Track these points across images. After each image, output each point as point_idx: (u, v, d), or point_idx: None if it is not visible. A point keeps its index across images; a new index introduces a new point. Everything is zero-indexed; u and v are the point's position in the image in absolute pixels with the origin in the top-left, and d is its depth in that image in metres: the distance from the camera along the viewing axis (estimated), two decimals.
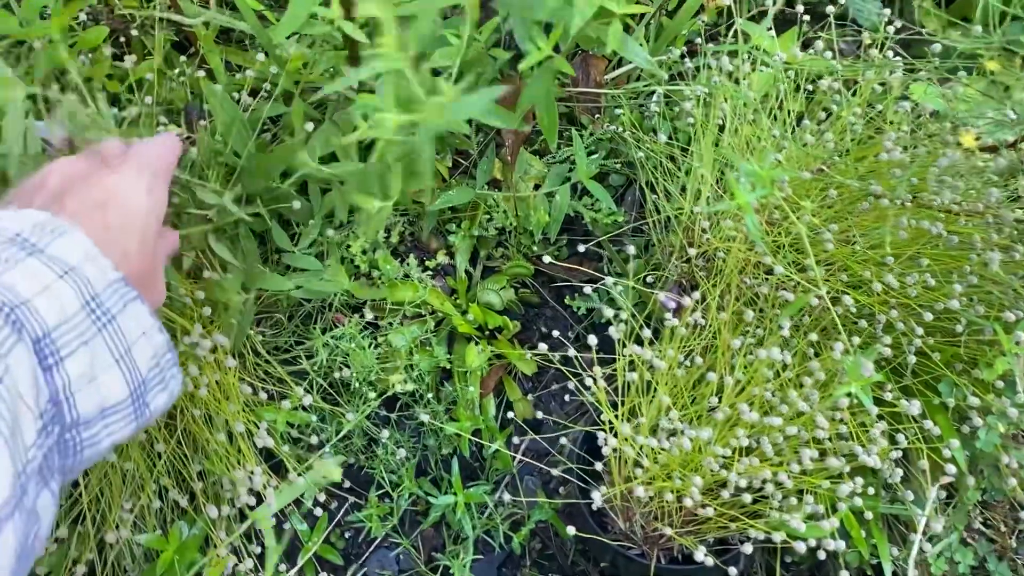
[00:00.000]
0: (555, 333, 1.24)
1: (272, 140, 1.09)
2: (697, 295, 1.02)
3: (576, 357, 0.99)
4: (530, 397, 1.15)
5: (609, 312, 1.17)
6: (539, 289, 1.26)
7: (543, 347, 1.14)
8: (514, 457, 1.12)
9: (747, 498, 0.86)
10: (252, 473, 0.95)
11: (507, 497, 1.10)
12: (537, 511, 1.05)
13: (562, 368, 1.20)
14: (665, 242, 1.17)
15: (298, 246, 1.10)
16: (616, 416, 0.92)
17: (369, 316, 1.13)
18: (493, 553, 1.08)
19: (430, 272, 1.21)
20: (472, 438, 1.07)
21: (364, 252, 1.19)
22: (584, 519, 0.96)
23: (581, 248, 1.23)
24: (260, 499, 0.96)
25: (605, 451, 0.90)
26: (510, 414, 1.17)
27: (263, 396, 0.97)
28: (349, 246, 1.19)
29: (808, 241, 0.87)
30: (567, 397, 1.21)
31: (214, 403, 0.97)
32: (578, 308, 1.17)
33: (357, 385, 1.04)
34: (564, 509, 1.09)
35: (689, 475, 0.84)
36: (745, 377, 0.87)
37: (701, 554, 0.80)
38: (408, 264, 1.20)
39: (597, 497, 0.85)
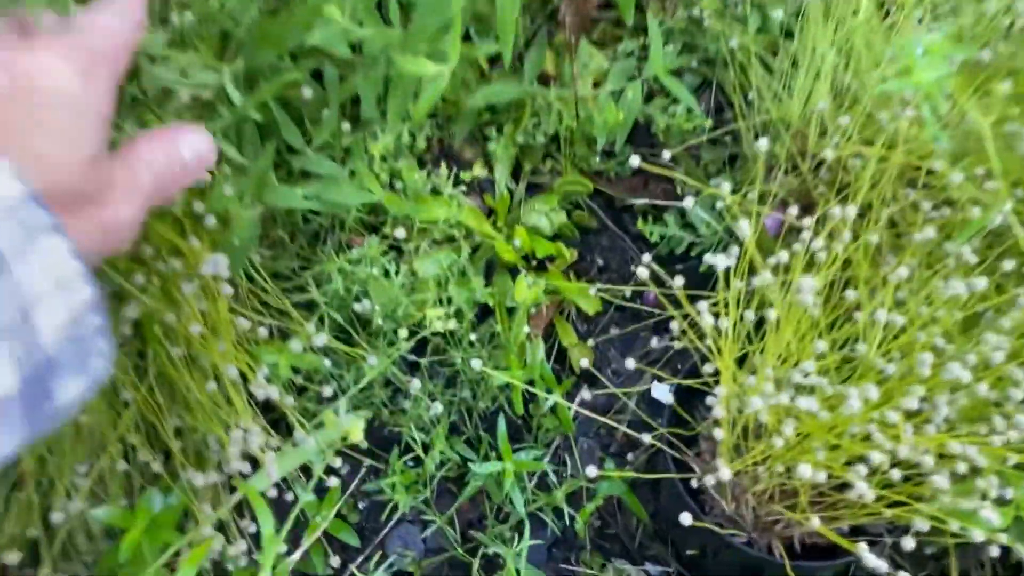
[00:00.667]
0: (614, 264, 1.02)
1: (277, 9, 0.84)
2: (813, 217, 0.80)
3: (662, 293, 0.76)
4: (590, 343, 0.93)
5: (686, 238, 0.94)
6: (597, 211, 1.03)
7: (601, 282, 0.92)
8: (574, 415, 0.91)
9: (895, 475, 0.65)
10: (247, 431, 0.73)
11: (568, 467, 0.88)
12: (606, 484, 0.84)
13: (632, 306, 0.98)
14: (760, 154, 0.94)
15: (311, 147, 0.86)
16: (725, 368, 0.70)
17: (392, 238, 0.90)
18: (545, 531, 0.87)
19: (463, 187, 0.98)
20: (525, 389, 0.85)
21: (385, 159, 0.95)
22: (677, 497, 0.75)
23: (642, 162, 1.00)
24: (256, 464, 0.74)
25: (717, 412, 0.69)
26: (552, 363, 0.95)
27: (262, 332, 0.75)
28: (366, 149, 0.95)
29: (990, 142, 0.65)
30: (636, 343, 0.99)
31: (199, 340, 0.75)
32: (650, 234, 0.95)
33: (380, 322, 0.82)
34: (635, 482, 0.87)
35: (839, 445, 0.63)
36: (907, 318, 0.65)
37: (866, 552, 0.59)
38: (438, 176, 0.97)
39: (723, 472, 0.64)
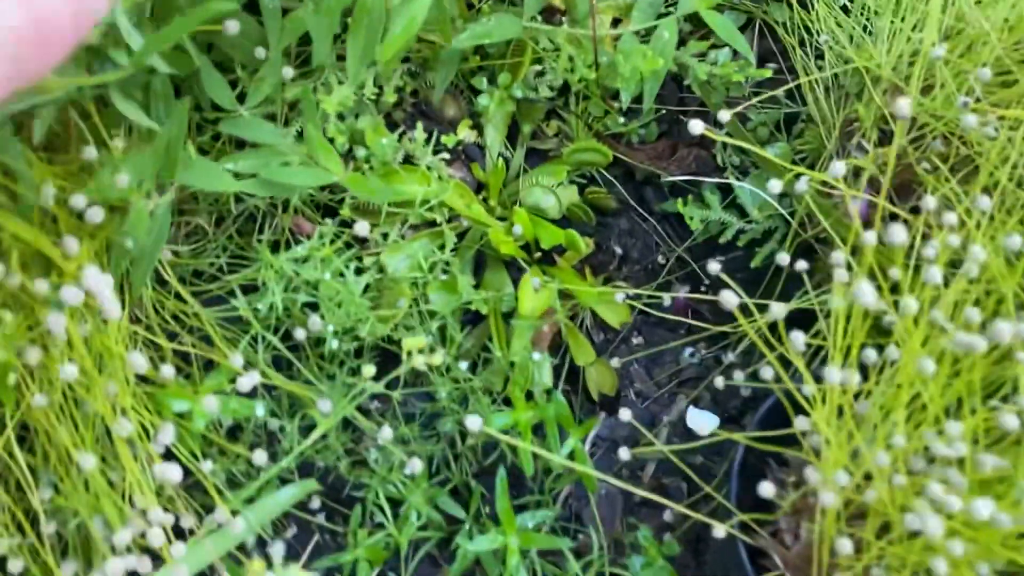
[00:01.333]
0: (635, 253, 0.80)
1: None
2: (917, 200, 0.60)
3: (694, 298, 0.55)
4: (615, 363, 0.71)
5: (733, 222, 0.73)
6: (617, 186, 0.81)
7: (621, 282, 0.72)
8: (590, 448, 0.70)
9: None
10: (145, 513, 0.51)
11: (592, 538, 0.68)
12: (644, 570, 0.63)
13: (657, 313, 0.76)
14: (828, 115, 0.73)
15: (245, 105, 0.64)
16: (830, 434, 0.50)
17: (352, 222, 0.67)
18: None
19: (445, 155, 0.76)
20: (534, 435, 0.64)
21: (342, 118, 0.72)
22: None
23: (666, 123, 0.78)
24: (158, 559, 0.52)
25: (825, 498, 0.48)
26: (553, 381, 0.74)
27: (166, 372, 0.52)
28: (317, 105, 0.72)
29: None
30: (665, 354, 0.78)
31: (82, 381, 0.53)
32: (690, 219, 0.73)
33: (335, 345, 0.60)
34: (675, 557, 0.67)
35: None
36: None
37: None
38: (412, 141, 0.74)
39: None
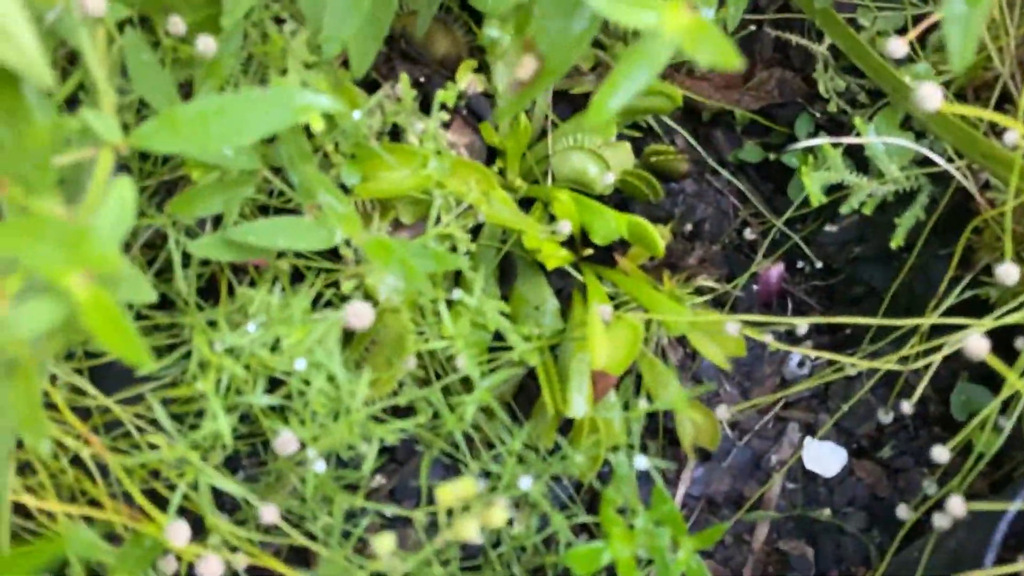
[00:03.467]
0: (709, 225, 0.59)
1: None
2: None
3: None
4: (723, 413, 0.50)
5: (864, 185, 0.52)
6: (681, 132, 0.58)
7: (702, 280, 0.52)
8: (681, 500, 0.50)
9: None
10: None
11: None
12: None
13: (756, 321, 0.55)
14: (1006, 15, 0.50)
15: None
16: None
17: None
18: None
19: (444, 116, 0.52)
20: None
21: (308, 66, 0.48)
22: None
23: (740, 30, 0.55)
24: None
25: None
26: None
27: None
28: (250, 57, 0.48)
29: None
30: (759, 364, 0.57)
31: None
32: (806, 184, 0.51)
33: (322, 470, 0.38)
34: None
35: None
36: None
37: None
38: (393, 101, 0.50)
39: None
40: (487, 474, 0.45)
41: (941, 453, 0.39)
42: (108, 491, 0.41)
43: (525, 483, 0.39)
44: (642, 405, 0.42)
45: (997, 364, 0.32)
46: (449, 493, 0.32)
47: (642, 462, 0.37)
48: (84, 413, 0.46)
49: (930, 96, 0.30)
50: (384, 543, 0.30)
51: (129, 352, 0.26)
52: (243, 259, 0.40)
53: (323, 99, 0.30)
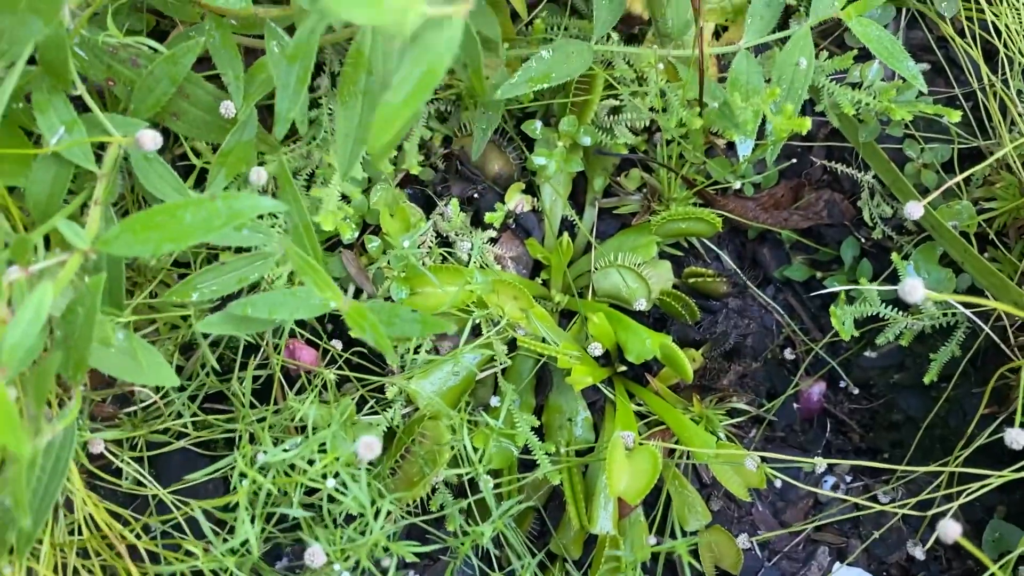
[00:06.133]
0: (751, 341, 0.60)
1: None
2: None
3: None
4: (743, 542, 0.51)
5: (900, 320, 0.53)
6: (723, 256, 0.60)
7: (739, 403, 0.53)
8: None
9: None
10: None
11: None
12: None
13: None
14: None
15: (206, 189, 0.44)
16: None
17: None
18: None
19: (492, 233, 0.55)
20: None
21: (347, 199, 0.52)
22: None
23: (783, 159, 0.56)
24: None
25: None
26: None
27: None
28: (311, 176, 0.52)
29: None
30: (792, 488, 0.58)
31: None
32: (841, 324, 0.51)
33: None
34: None
35: None
36: None
37: None
38: (445, 220, 0.54)
39: None
40: None
41: None
42: None
43: None
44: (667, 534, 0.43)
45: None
46: None
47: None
48: (144, 500, 0.50)
49: (914, 289, 0.32)
50: None
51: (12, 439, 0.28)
52: (249, 331, 0.43)
53: (265, 202, 0.34)
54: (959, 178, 0.52)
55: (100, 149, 0.42)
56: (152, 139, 0.35)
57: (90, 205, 0.39)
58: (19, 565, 0.36)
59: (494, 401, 0.55)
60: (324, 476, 0.40)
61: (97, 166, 0.40)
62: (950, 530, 0.30)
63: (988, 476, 0.44)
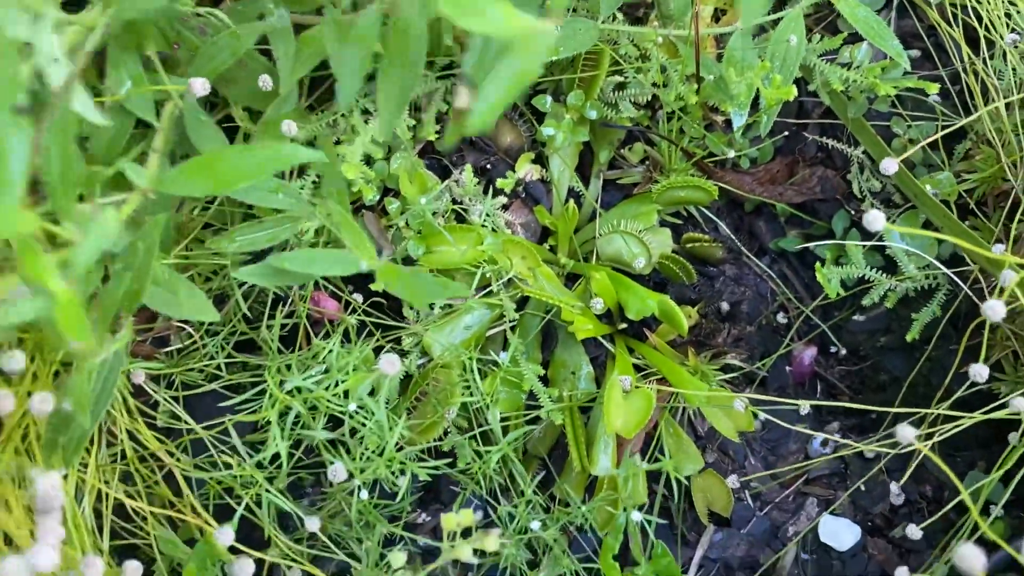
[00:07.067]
0: (746, 306, 0.63)
1: None
2: None
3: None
4: (732, 482, 0.55)
5: (884, 282, 0.56)
6: (721, 225, 0.64)
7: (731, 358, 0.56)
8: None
9: None
10: None
11: None
12: None
13: (783, 401, 0.60)
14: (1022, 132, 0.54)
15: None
16: None
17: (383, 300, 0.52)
18: None
19: (503, 197, 0.59)
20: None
21: (368, 161, 0.57)
22: None
23: (780, 134, 0.60)
24: None
25: None
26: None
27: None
28: (338, 143, 0.56)
29: None
30: (785, 442, 0.61)
31: None
32: (827, 281, 0.55)
33: (365, 497, 0.45)
34: None
35: None
36: None
37: None
38: (459, 184, 0.58)
39: None
40: (512, 517, 0.51)
41: (914, 531, 0.43)
42: (190, 503, 0.49)
43: (535, 525, 0.45)
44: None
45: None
46: (452, 521, 0.38)
47: (636, 516, 0.43)
48: (179, 434, 0.54)
49: (875, 220, 0.36)
50: (398, 558, 0.37)
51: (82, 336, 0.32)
52: (285, 284, 0.47)
53: (304, 151, 0.37)
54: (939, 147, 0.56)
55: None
56: (202, 85, 0.39)
57: (148, 154, 0.43)
58: (72, 468, 0.40)
59: (503, 356, 0.58)
60: (346, 395, 0.44)
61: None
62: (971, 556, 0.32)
63: (961, 417, 0.47)
